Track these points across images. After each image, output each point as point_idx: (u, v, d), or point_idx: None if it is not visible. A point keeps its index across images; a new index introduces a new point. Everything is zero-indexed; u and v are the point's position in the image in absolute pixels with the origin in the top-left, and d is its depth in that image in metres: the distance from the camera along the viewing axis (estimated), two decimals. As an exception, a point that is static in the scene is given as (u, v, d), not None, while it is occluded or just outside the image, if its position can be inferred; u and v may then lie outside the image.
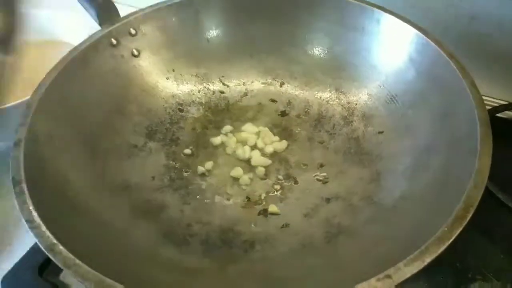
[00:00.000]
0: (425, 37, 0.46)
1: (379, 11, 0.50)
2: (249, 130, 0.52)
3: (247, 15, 0.56)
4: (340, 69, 0.54)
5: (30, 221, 0.32)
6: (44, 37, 0.63)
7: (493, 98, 0.62)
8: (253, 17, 0.56)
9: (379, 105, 0.50)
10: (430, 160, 0.40)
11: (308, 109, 0.54)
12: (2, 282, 0.44)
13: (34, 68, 0.45)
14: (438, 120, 0.42)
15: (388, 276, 0.27)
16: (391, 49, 0.50)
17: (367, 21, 0.51)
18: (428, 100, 0.45)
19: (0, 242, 0.50)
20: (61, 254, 0.30)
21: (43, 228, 0.31)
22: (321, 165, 0.48)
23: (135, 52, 0.53)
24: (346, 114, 0.52)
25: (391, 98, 0.49)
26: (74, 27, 0.60)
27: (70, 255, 0.30)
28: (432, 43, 0.45)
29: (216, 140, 0.51)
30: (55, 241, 0.30)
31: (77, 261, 0.29)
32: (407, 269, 0.28)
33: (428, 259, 0.28)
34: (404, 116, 0.47)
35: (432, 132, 0.42)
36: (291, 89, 0.56)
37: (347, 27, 0.53)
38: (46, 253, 0.30)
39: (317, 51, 0.56)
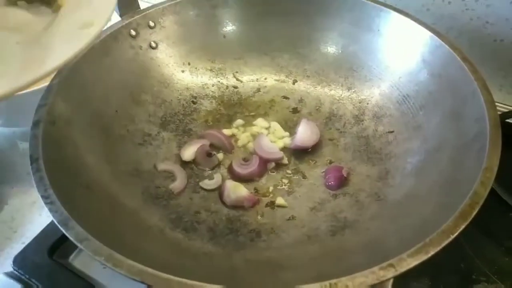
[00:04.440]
0: (439, 39, 0.46)
1: (395, 13, 0.51)
2: (260, 124, 0.53)
3: (262, 12, 0.57)
4: (353, 69, 0.55)
5: (45, 196, 0.33)
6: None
7: (504, 104, 0.62)
8: (269, 14, 0.57)
9: (390, 105, 0.51)
10: (438, 159, 0.41)
11: (319, 107, 0.55)
12: (13, 262, 0.45)
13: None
14: (448, 120, 0.42)
15: (391, 265, 0.28)
16: (405, 50, 0.50)
17: (382, 22, 0.52)
18: (439, 101, 0.45)
19: (13, 224, 0.52)
20: (74, 229, 0.31)
21: (58, 204, 0.32)
22: (330, 162, 0.49)
23: (153, 44, 0.54)
24: (357, 113, 0.53)
25: (403, 99, 0.50)
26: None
27: (83, 230, 0.31)
28: (446, 46, 0.46)
29: (228, 132, 0.52)
30: (69, 216, 0.31)
31: (89, 236, 0.30)
32: (410, 260, 0.28)
33: (432, 252, 0.29)
34: (415, 116, 0.47)
35: (442, 133, 0.43)
36: (304, 87, 0.57)
37: (362, 28, 0.54)
38: (60, 227, 0.31)
39: (331, 50, 0.56)
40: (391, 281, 0.44)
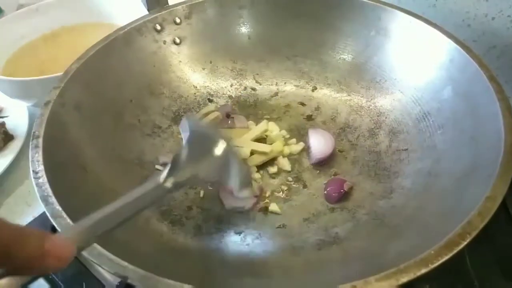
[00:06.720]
0: (467, 55, 0.43)
1: (426, 25, 0.47)
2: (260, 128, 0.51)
3: (289, 16, 0.56)
4: (375, 81, 0.52)
5: (35, 171, 0.34)
6: (99, 20, 0.69)
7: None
8: (295, 19, 0.55)
9: (409, 121, 0.47)
10: (447, 183, 0.37)
11: (335, 116, 0.53)
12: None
13: (83, 46, 0.48)
14: (465, 143, 0.39)
15: (354, 287, 0.26)
16: (432, 65, 0.47)
17: (411, 34, 0.49)
18: (459, 121, 0.41)
19: (28, 198, 0.54)
20: (52, 205, 0.32)
21: (45, 179, 0.34)
22: (335, 174, 0.46)
23: (177, 40, 0.55)
24: (373, 127, 0.50)
25: (423, 116, 0.46)
26: (126, 11, 0.64)
27: (59, 208, 0.32)
28: (474, 63, 0.42)
29: (237, 132, 0.51)
30: (50, 193, 0.33)
31: (64, 214, 0.31)
32: (377, 285, 0.26)
33: (402, 279, 0.26)
34: (432, 135, 0.44)
35: (455, 154, 0.39)
36: (322, 95, 0.55)
37: (389, 38, 0.51)
38: (41, 203, 0.32)
39: (355, 59, 0.54)
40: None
